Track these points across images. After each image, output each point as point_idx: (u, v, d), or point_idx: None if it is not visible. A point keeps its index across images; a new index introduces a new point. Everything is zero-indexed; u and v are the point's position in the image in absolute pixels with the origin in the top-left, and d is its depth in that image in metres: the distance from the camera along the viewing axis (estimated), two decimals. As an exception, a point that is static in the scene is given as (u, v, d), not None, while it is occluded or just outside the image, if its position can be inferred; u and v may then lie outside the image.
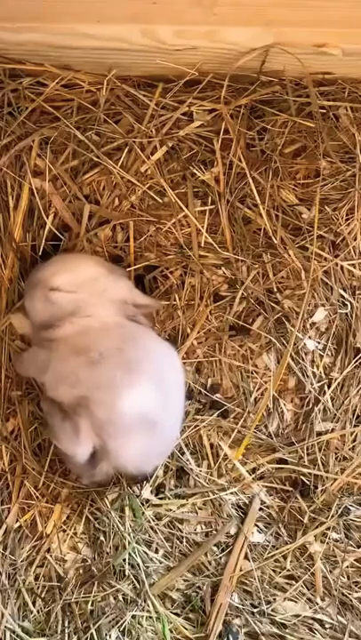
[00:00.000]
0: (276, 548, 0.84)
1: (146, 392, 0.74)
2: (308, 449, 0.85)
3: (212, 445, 0.86)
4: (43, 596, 0.82)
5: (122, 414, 0.73)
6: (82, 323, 0.77)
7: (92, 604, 0.81)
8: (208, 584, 0.84)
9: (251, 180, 0.84)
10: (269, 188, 0.85)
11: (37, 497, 0.83)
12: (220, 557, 0.85)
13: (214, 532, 0.85)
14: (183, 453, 0.85)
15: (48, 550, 0.84)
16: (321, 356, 0.88)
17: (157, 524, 0.84)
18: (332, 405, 0.87)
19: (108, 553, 0.83)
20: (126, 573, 0.82)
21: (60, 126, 0.84)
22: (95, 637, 0.79)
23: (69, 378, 0.75)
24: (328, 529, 0.85)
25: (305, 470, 0.85)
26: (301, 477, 0.86)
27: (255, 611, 0.83)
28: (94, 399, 0.74)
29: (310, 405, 0.88)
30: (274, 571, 0.85)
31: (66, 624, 0.81)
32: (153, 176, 0.85)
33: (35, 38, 0.78)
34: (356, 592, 0.85)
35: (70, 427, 0.75)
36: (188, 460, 0.85)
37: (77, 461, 0.77)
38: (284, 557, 0.85)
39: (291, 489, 0.86)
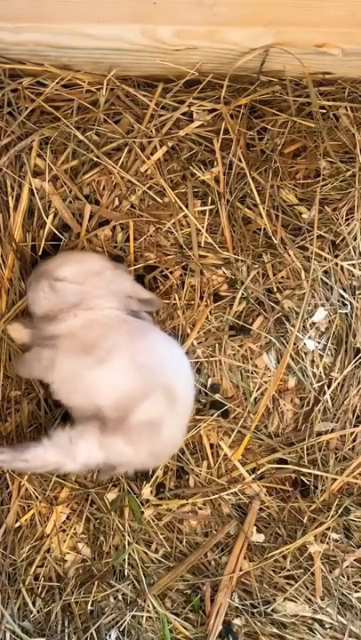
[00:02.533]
0: (276, 548, 0.84)
1: (157, 400, 0.75)
2: (308, 449, 0.85)
3: (212, 445, 0.86)
4: (43, 596, 0.82)
5: (133, 425, 0.74)
6: (86, 316, 0.77)
7: (91, 604, 0.81)
8: (208, 584, 0.84)
9: (251, 180, 0.84)
10: (269, 187, 0.85)
11: (37, 497, 0.83)
12: (220, 557, 0.85)
13: (214, 532, 0.85)
14: (183, 453, 0.85)
15: (48, 550, 0.84)
16: (321, 356, 0.88)
17: (157, 524, 0.84)
18: (332, 405, 0.87)
19: (107, 553, 0.83)
20: (126, 573, 0.82)
21: (59, 126, 0.84)
22: (95, 637, 0.80)
23: (79, 382, 0.75)
24: (328, 529, 0.85)
25: (305, 470, 0.85)
26: (301, 477, 0.86)
27: (255, 611, 0.83)
28: (106, 409, 0.75)
29: (310, 405, 0.88)
30: (274, 571, 0.85)
31: (66, 624, 0.81)
32: (153, 176, 0.85)
33: (35, 38, 0.78)
34: (356, 592, 0.85)
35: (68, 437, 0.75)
36: (188, 460, 0.85)
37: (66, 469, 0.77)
38: (284, 557, 0.85)
39: (291, 489, 0.86)
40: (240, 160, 0.85)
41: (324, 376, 0.88)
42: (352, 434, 0.87)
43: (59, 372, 0.76)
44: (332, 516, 0.84)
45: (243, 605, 0.83)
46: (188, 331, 0.86)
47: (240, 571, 0.84)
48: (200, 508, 0.85)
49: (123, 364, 0.75)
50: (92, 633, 0.79)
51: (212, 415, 0.86)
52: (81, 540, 0.84)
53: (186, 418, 0.80)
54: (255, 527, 0.85)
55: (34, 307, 0.79)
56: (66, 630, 0.80)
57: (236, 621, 0.83)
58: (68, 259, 0.80)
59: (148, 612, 0.81)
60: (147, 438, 0.74)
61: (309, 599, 0.84)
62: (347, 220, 0.87)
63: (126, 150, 0.85)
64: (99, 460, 0.75)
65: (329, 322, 0.88)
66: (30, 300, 0.80)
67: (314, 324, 0.88)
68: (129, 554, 0.82)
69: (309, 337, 0.88)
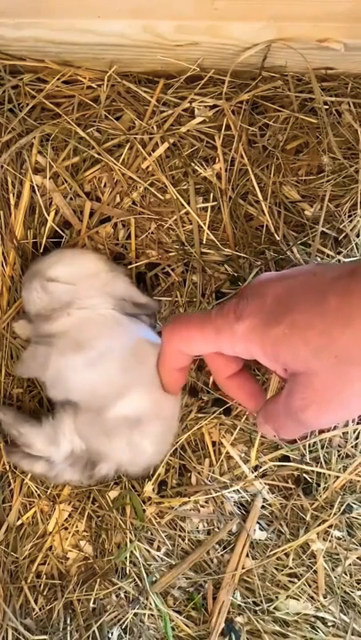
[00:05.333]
0: (279, 546, 0.84)
1: (135, 398, 0.74)
2: (310, 446, 0.85)
3: (214, 443, 0.86)
4: (45, 593, 0.83)
5: (109, 418, 0.74)
6: (80, 314, 0.77)
7: (93, 602, 0.81)
8: (210, 582, 0.83)
9: (253, 177, 0.84)
10: (271, 184, 0.84)
11: (39, 495, 0.83)
12: (222, 555, 0.85)
13: (216, 529, 0.85)
14: (185, 451, 0.85)
15: (50, 548, 0.84)
16: (323, 354, 0.87)
17: (159, 522, 0.84)
18: (335, 403, 0.87)
19: (109, 551, 0.83)
20: (128, 571, 0.82)
21: (60, 123, 0.84)
22: (97, 635, 0.80)
23: (65, 377, 0.75)
24: (330, 527, 0.85)
25: (307, 468, 0.85)
26: (304, 475, 0.86)
27: (257, 609, 0.83)
28: (83, 404, 0.75)
29: (313, 403, 0.87)
30: (276, 568, 0.84)
31: (68, 622, 0.81)
32: (154, 173, 0.85)
33: (35, 34, 0.77)
34: (359, 590, 0.85)
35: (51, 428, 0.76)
36: (190, 458, 0.85)
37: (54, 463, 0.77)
38: (287, 555, 0.84)
39: (293, 487, 0.86)
40: (242, 156, 0.84)
41: (326, 373, 0.87)
42: (355, 431, 0.86)
43: (52, 372, 0.76)
44: (335, 514, 0.84)
45: (245, 603, 0.83)
46: (190, 328, 0.86)
47: (242, 568, 0.84)
48: (202, 506, 0.85)
49: (109, 366, 0.74)
50: (94, 631, 0.80)
51: (214, 412, 0.85)
52: (83, 537, 0.84)
53: (173, 421, 0.79)
54: (257, 525, 0.85)
55: (28, 306, 0.79)
56: (68, 628, 0.80)
57: (239, 619, 0.83)
58: (62, 258, 0.79)
59: (150, 609, 0.81)
60: (124, 433, 0.75)
61: (312, 597, 0.84)
62: (349, 216, 0.87)
63: (127, 147, 0.84)
64: (81, 446, 0.76)
65: (331, 319, 0.88)
66: (24, 300, 0.80)
67: (316, 321, 0.87)
68: (131, 552, 0.82)
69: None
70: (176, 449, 0.84)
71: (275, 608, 0.83)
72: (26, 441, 0.78)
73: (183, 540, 0.84)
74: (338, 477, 0.85)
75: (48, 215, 0.84)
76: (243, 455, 0.86)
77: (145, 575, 0.82)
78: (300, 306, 0.52)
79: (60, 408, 0.78)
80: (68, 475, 0.78)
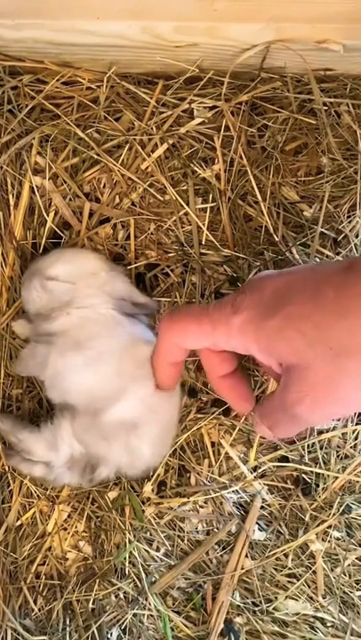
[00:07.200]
0: (278, 547, 0.84)
1: (131, 403, 0.74)
2: (309, 447, 0.85)
3: (213, 443, 0.86)
4: (44, 594, 0.83)
5: (105, 422, 0.74)
6: (80, 314, 0.77)
7: (93, 603, 0.82)
8: (209, 582, 0.84)
9: (252, 178, 0.84)
10: (270, 185, 0.85)
11: (38, 495, 0.83)
12: (222, 556, 0.85)
13: (215, 530, 0.85)
14: (184, 451, 0.85)
15: (49, 549, 0.84)
16: (322, 354, 0.88)
17: (158, 523, 0.84)
18: (334, 403, 0.87)
19: (109, 551, 0.83)
20: (127, 572, 0.82)
21: (60, 124, 0.84)
22: (96, 635, 0.80)
23: (64, 377, 0.75)
24: (330, 527, 0.85)
25: (306, 468, 0.85)
26: (303, 475, 0.86)
27: (256, 609, 0.83)
28: (81, 407, 0.75)
29: (312, 403, 0.87)
30: (275, 569, 0.84)
31: (67, 622, 0.81)
32: (153, 173, 0.85)
33: (35, 35, 0.77)
34: (358, 590, 0.85)
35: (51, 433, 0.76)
36: (189, 459, 0.85)
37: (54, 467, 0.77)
38: (286, 556, 0.85)
39: (292, 487, 0.86)
40: (241, 157, 0.84)
41: (325, 374, 0.87)
42: (354, 432, 0.86)
43: (51, 371, 0.76)
44: (334, 514, 0.84)
45: (244, 604, 0.83)
46: (189, 329, 0.86)
47: (241, 569, 0.84)
48: (201, 507, 0.85)
49: (108, 367, 0.74)
50: (93, 631, 0.80)
51: (213, 413, 0.85)
52: (82, 538, 0.84)
53: (171, 423, 0.80)
54: (257, 525, 0.85)
55: (27, 305, 0.79)
56: (67, 628, 0.80)
57: (238, 620, 0.83)
58: (61, 257, 0.79)
59: (149, 610, 0.81)
60: (120, 436, 0.74)
61: (311, 597, 0.84)
62: (349, 217, 0.87)
63: (127, 148, 0.84)
64: (80, 450, 0.76)
65: (330, 319, 0.88)
66: (24, 299, 0.80)
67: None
68: (130, 552, 0.82)
69: (311, 334, 0.87)
70: (175, 449, 0.84)
71: (274, 608, 0.83)
72: (25, 447, 0.78)
73: (182, 540, 0.85)
74: (337, 478, 0.85)
75: (47, 216, 0.84)
76: (242, 456, 0.86)
77: (144, 576, 0.82)
78: (296, 298, 0.53)
79: (58, 413, 0.78)
80: (67, 478, 0.78)
